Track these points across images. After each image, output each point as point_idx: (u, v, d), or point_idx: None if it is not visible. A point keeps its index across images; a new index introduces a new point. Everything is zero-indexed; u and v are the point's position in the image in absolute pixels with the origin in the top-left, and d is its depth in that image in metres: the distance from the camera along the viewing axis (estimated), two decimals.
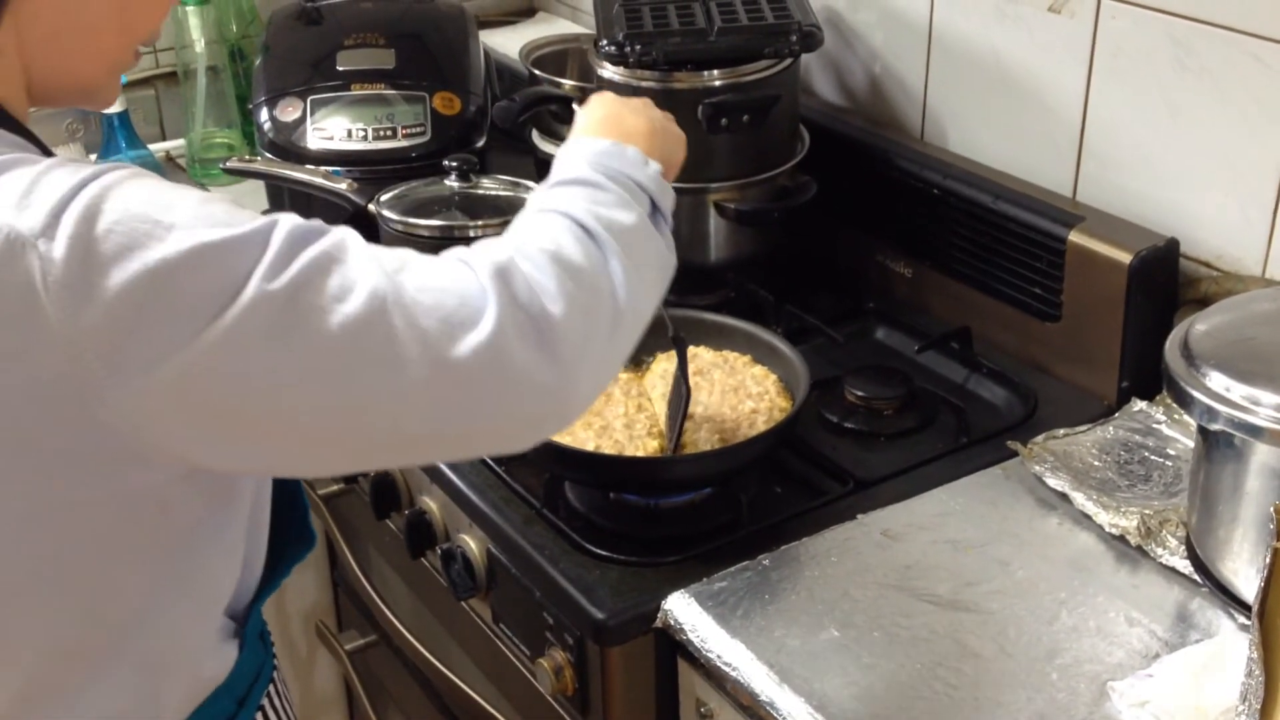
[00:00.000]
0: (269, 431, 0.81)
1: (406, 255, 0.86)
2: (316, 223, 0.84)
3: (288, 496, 1.05)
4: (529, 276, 0.86)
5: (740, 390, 1.30)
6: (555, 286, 0.86)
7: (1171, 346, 1.10)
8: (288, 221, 0.81)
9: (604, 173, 0.97)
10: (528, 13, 2.35)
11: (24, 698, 0.89)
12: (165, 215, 0.78)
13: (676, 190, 1.56)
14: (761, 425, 1.27)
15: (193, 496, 0.87)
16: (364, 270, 0.81)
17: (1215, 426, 1.04)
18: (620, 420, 1.28)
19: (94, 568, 0.86)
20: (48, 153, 0.91)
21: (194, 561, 0.91)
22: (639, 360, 1.39)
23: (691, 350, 1.37)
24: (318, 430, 0.82)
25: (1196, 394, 1.04)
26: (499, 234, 1.49)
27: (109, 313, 0.76)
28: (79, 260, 0.76)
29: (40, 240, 0.76)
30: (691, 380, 1.32)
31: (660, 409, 1.31)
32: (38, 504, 0.82)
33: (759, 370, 1.34)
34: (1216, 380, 1.04)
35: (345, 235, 0.84)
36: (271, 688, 1.04)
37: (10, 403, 0.78)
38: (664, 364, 1.36)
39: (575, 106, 1.16)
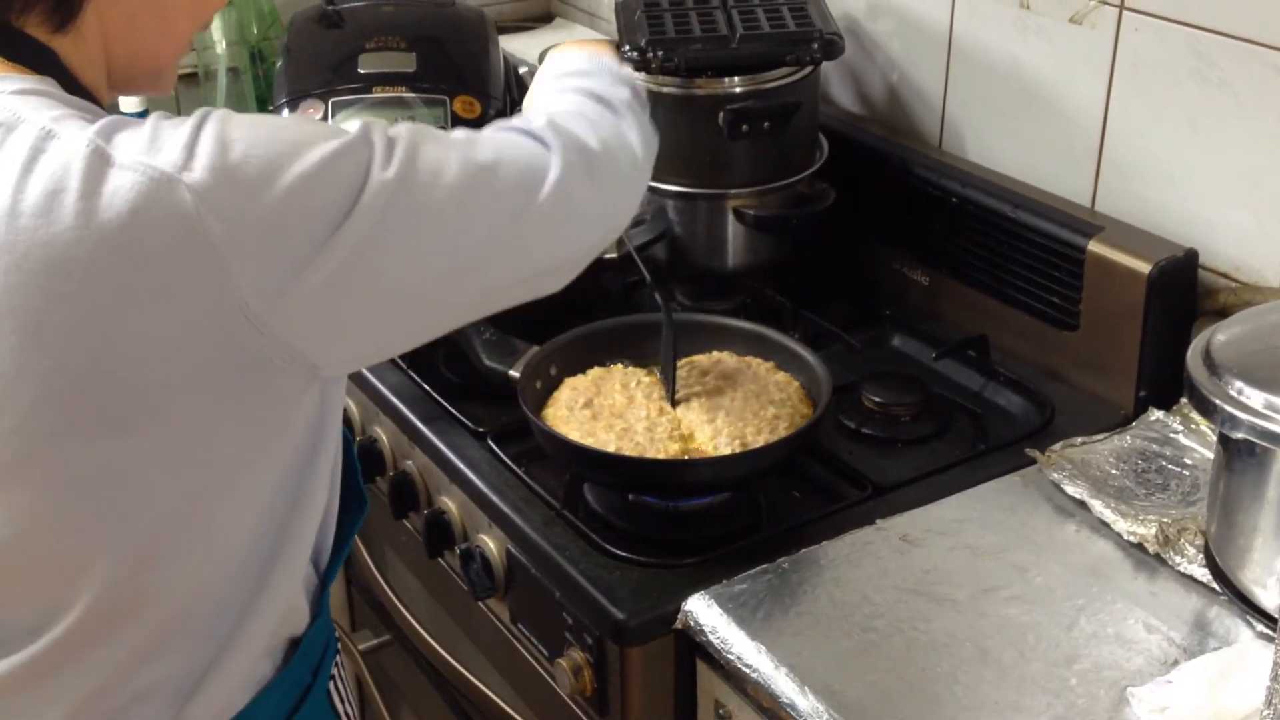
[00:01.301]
0: (401, 303, 0.91)
1: (468, 132, 0.98)
2: (394, 124, 0.93)
3: (343, 460, 1.08)
4: (571, 128, 1.00)
5: (762, 396, 1.31)
6: (589, 131, 1.01)
7: (1193, 355, 1.10)
8: (376, 123, 0.91)
9: (593, 64, 1.14)
10: (545, 18, 2.36)
11: (143, 649, 0.92)
12: (288, 135, 0.86)
13: (695, 196, 1.59)
14: (783, 431, 1.27)
15: (306, 420, 0.94)
16: (449, 146, 0.92)
17: (1237, 435, 1.04)
18: (642, 423, 1.28)
19: (241, 497, 0.91)
20: None
21: (312, 496, 0.97)
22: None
23: (715, 355, 1.38)
24: (440, 290, 0.92)
25: (1219, 402, 1.05)
26: None
27: (265, 226, 0.82)
28: (225, 185, 0.82)
29: (184, 173, 0.81)
30: (715, 385, 1.33)
31: (682, 414, 1.31)
32: (188, 421, 0.86)
33: (782, 377, 1.35)
34: (1239, 389, 1.05)
35: (419, 125, 0.94)
36: (336, 661, 1.06)
37: (175, 327, 0.82)
38: (684, 369, 1.37)
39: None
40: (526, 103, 1.17)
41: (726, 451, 1.25)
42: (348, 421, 1.62)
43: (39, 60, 0.90)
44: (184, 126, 0.84)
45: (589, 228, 1.01)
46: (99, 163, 0.81)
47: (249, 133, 0.84)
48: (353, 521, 1.10)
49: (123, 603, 0.90)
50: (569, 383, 1.36)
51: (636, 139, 1.07)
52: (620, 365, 1.38)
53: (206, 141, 0.82)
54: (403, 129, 0.91)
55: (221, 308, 0.82)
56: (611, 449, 1.25)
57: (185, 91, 2.13)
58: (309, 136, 0.86)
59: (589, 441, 1.26)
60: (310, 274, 0.84)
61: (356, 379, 1.57)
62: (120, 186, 0.80)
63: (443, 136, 0.93)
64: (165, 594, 0.91)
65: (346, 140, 0.87)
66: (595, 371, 1.37)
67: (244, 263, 0.82)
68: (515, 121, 1.02)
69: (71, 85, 0.91)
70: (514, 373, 1.34)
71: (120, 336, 0.82)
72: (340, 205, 0.85)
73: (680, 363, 1.38)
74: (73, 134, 0.82)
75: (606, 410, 1.30)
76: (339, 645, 1.10)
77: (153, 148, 0.82)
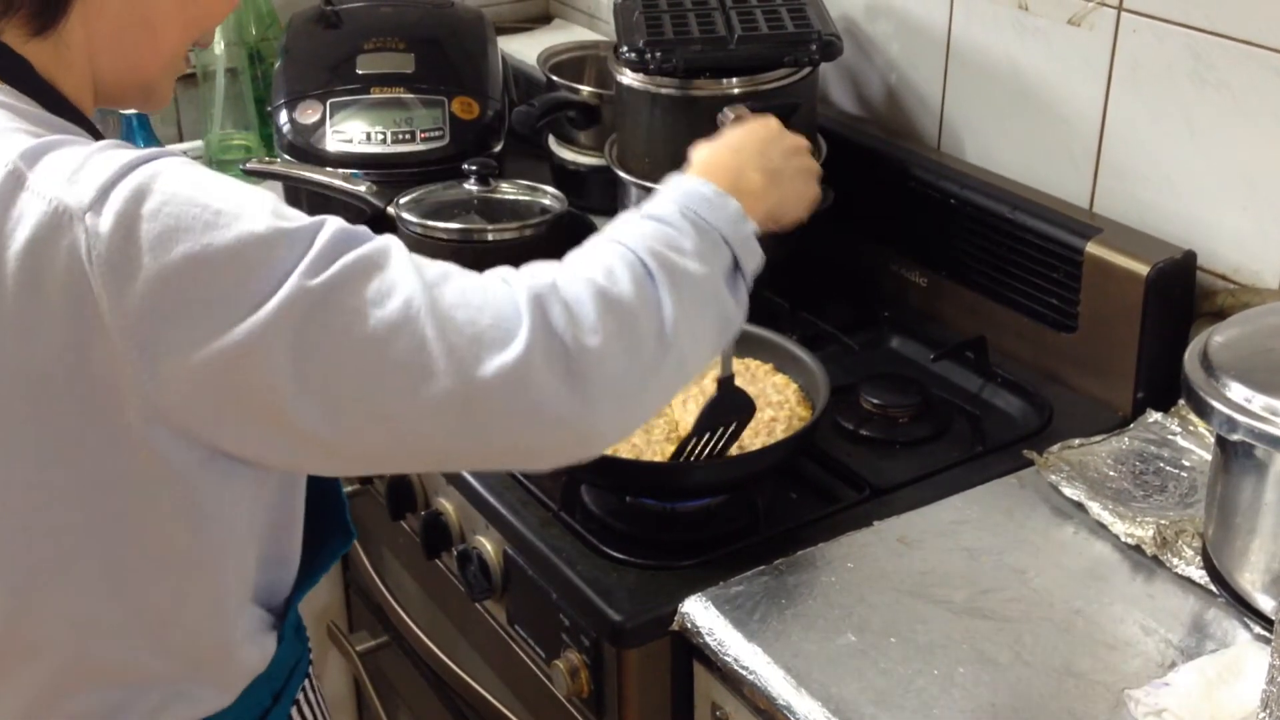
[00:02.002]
0: (292, 426, 0.82)
1: (449, 268, 0.86)
2: (362, 228, 0.85)
3: (326, 492, 1.06)
4: (570, 305, 0.85)
5: (760, 398, 1.31)
6: (595, 319, 0.85)
7: (1191, 357, 1.10)
8: (334, 223, 0.83)
9: (691, 219, 0.95)
10: (544, 19, 2.36)
11: (57, 683, 0.90)
12: (215, 202, 0.79)
13: None
14: (780, 433, 1.27)
15: (215, 481, 0.87)
16: (404, 277, 0.82)
17: (1235, 437, 1.04)
18: None
19: (117, 545, 0.87)
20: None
21: (215, 548, 0.91)
22: None
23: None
24: (338, 430, 0.82)
25: (1216, 404, 1.05)
26: (517, 237, 1.51)
27: (150, 293, 0.78)
28: (124, 238, 0.77)
29: (88, 214, 0.78)
30: (713, 387, 1.32)
31: (679, 415, 1.31)
32: (68, 474, 0.84)
33: (780, 379, 1.35)
34: (1236, 391, 1.05)
35: (389, 242, 0.85)
36: (306, 682, 1.05)
37: (51, 373, 0.80)
38: None
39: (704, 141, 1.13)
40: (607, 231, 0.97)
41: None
42: None
43: (6, 68, 0.88)
44: (115, 163, 0.80)
45: (553, 427, 0.85)
46: (13, 184, 0.79)
47: (177, 189, 0.79)
48: (332, 554, 1.08)
49: (14, 639, 0.89)
50: None
51: (673, 333, 0.88)
52: None
53: (126, 186, 0.78)
54: (372, 245, 0.83)
55: (93, 362, 0.79)
56: (608, 451, 1.25)
57: (184, 92, 2.13)
58: (240, 210, 0.80)
59: None
60: (199, 354, 0.79)
61: None
62: (25, 213, 0.78)
63: (409, 268, 0.83)
64: (56, 635, 0.89)
65: (283, 228, 0.80)
66: None
67: (126, 321, 0.78)
68: (521, 275, 0.88)
69: (44, 94, 0.89)
70: None
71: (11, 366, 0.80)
72: (250, 294, 0.78)
73: None
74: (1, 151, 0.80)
75: None
76: (310, 669, 1.07)
77: (73, 178, 0.79)
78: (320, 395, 0.80)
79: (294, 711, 1.03)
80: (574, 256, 0.92)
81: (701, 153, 1.08)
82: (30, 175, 0.79)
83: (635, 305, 0.87)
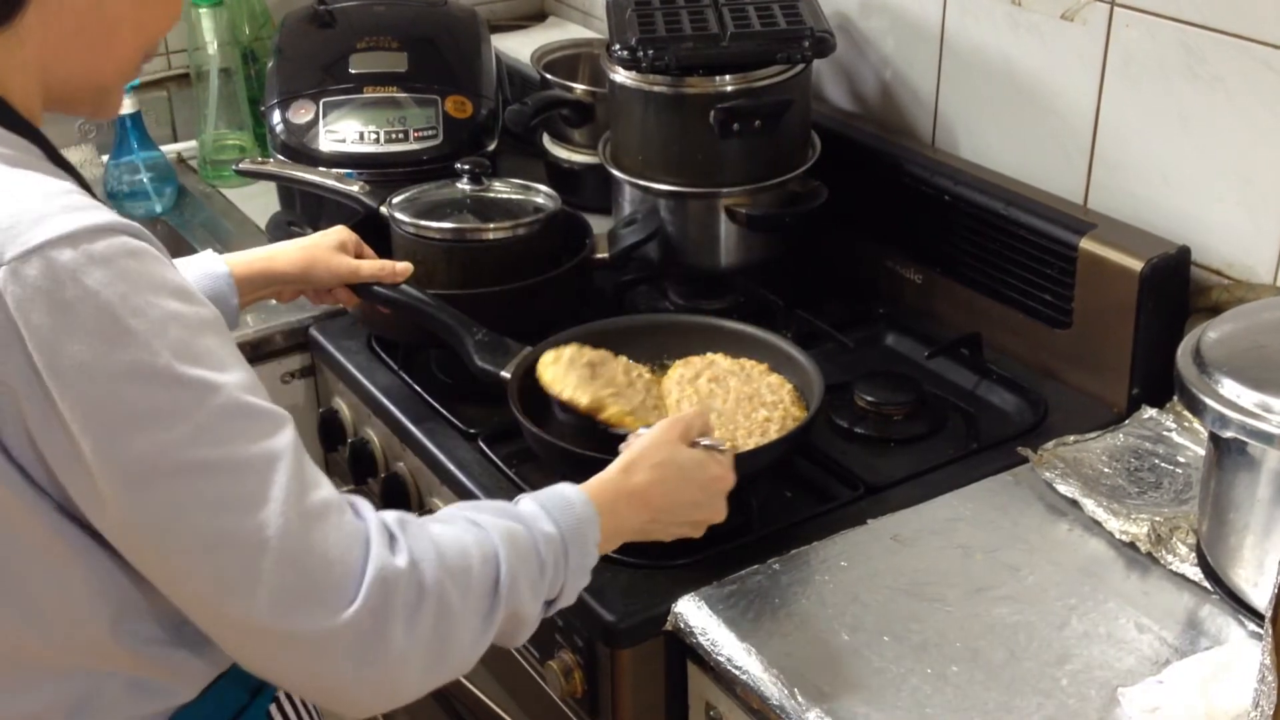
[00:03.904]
0: (127, 547, 0.85)
1: (329, 505, 0.86)
2: (264, 412, 0.85)
3: None
4: (409, 602, 0.86)
5: (755, 398, 1.30)
6: (423, 627, 0.87)
7: (1183, 354, 1.10)
8: (230, 395, 0.83)
9: (560, 548, 0.98)
10: (539, 17, 2.36)
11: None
12: (130, 319, 0.80)
13: (687, 195, 1.58)
14: (774, 434, 1.27)
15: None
16: (276, 498, 0.83)
17: (1227, 434, 1.04)
18: (639, 396, 1.27)
19: (47, 567, 0.87)
20: (53, 153, 0.91)
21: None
22: (660, 364, 1.39)
23: (709, 356, 1.38)
24: (159, 578, 0.86)
25: (1209, 401, 1.04)
26: (510, 236, 1.51)
27: (33, 371, 0.78)
28: (28, 313, 0.78)
29: (3, 270, 0.78)
30: (707, 386, 1.32)
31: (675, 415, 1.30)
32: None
33: (775, 379, 1.34)
34: (1229, 387, 1.04)
35: (283, 449, 0.84)
36: None
37: None
38: (681, 369, 1.36)
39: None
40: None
41: None
42: (340, 424, 1.62)
43: None
44: (60, 227, 0.79)
45: (320, 689, 0.89)
46: None
47: (100, 289, 0.79)
48: None
49: None
50: (574, 345, 1.34)
51: (472, 651, 0.92)
52: (624, 358, 1.37)
53: (57, 259, 0.79)
54: (271, 446, 0.84)
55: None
56: (608, 410, 1.24)
57: (178, 92, 2.13)
58: (152, 337, 0.80)
59: (581, 398, 1.25)
60: (76, 450, 0.80)
61: (346, 379, 1.57)
62: None
63: (301, 488, 0.84)
64: None
65: (177, 373, 0.81)
66: (603, 352, 1.35)
67: (12, 383, 0.79)
68: (384, 544, 0.87)
69: None
70: (505, 373, 1.33)
71: None
72: (117, 422, 0.80)
73: (674, 363, 1.38)
74: None
75: (605, 377, 1.30)
76: None
77: (10, 226, 0.79)
78: (155, 551, 0.84)
79: (273, 709, 1.03)
80: (453, 530, 0.93)
81: (633, 450, 1.09)
82: None
83: (462, 624, 0.90)
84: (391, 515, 0.91)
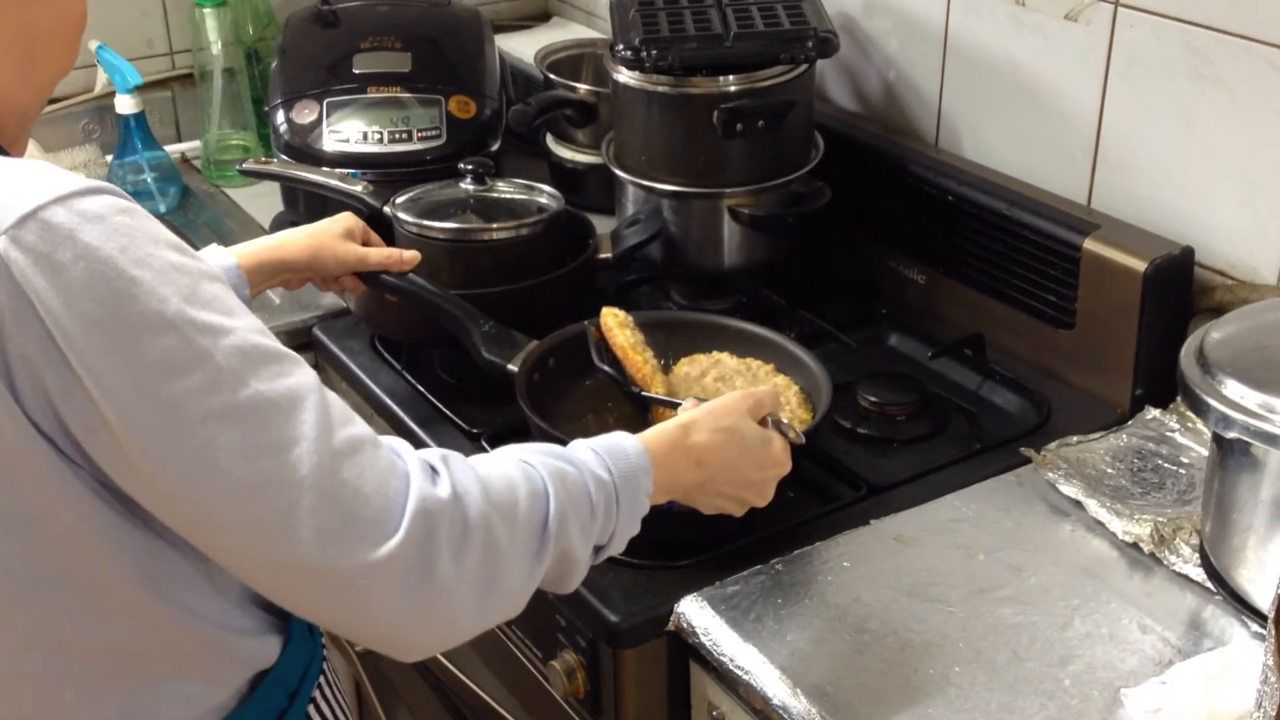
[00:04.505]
0: (166, 506, 0.84)
1: (362, 440, 0.85)
2: (281, 353, 0.84)
3: None
4: (454, 532, 0.85)
5: None
6: (471, 556, 0.86)
7: (1187, 354, 1.10)
8: (246, 335, 0.82)
9: (612, 493, 0.96)
10: (542, 17, 2.36)
11: (45, 699, 0.90)
12: (134, 269, 0.79)
13: (691, 195, 1.58)
14: None
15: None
16: (306, 436, 0.81)
17: (1231, 434, 1.04)
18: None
19: (86, 567, 0.86)
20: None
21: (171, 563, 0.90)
22: (663, 364, 1.39)
23: (715, 356, 1.37)
24: (198, 531, 0.84)
25: (1212, 401, 1.04)
26: (513, 236, 1.51)
27: (46, 337, 0.77)
28: (31, 279, 0.77)
29: (2, 239, 0.77)
30: (715, 386, 1.32)
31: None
32: (28, 504, 0.83)
33: (781, 380, 1.34)
34: (1232, 388, 1.04)
35: (308, 387, 0.83)
36: (323, 679, 1.04)
37: None
38: (686, 367, 1.36)
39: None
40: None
41: None
42: None
43: None
44: (48, 190, 0.78)
45: (382, 632, 0.86)
46: None
47: (100, 243, 0.78)
48: None
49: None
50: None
51: (523, 589, 0.91)
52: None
53: (51, 220, 0.78)
54: (289, 382, 0.82)
55: None
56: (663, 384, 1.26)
57: (182, 92, 2.14)
58: (159, 281, 0.79)
59: (650, 370, 1.27)
60: (98, 408, 0.79)
61: (350, 379, 1.57)
62: None
63: (329, 426, 0.82)
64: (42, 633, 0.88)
65: (190, 317, 0.80)
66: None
67: (20, 351, 0.78)
68: (425, 477, 0.86)
69: None
70: (512, 367, 1.33)
71: None
72: (136, 371, 0.79)
73: (680, 361, 1.38)
74: None
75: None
76: (324, 667, 1.06)
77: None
78: (187, 499, 0.81)
79: (311, 710, 1.03)
80: (502, 466, 0.92)
81: (693, 414, 1.08)
82: None
83: (511, 559, 0.88)
84: (434, 452, 0.90)
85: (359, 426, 0.86)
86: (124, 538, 0.86)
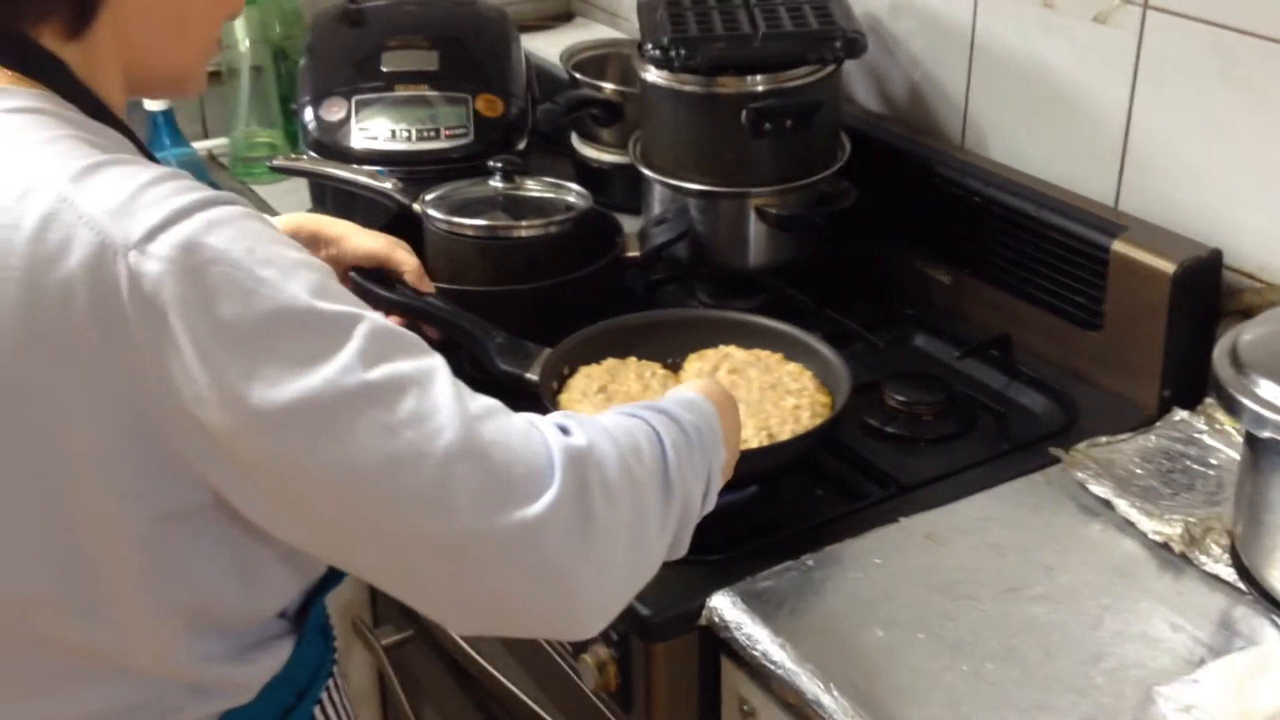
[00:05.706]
0: (299, 512, 0.82)
1: (493, 404, 0.85)
2: (407, 335, 0.84)
3: None
4: (603, 475, 0.85)
5: (779, 387, 1.31)
6: (622, 495, 0.85)
7: (1220, 355, 1.10)
8: (374, 321, 0.82)
9: (699, 434, 0.96)
10: (565, 17, 2.37)
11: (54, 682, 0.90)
12: (262, 269, 0.79)
13: (717, 195, 1.59)
14: (806, 419, 1.27)
15: (221, 524, 0.86)
16: (446, 403, 0.81)
17: (1264, 434, 1.04)
18: None
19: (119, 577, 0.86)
20: (144, 148, 0.92)
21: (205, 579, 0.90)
22: (674, 363, 1.39)
23: (723, 349, 1.38)
24: (340, 532, 0.82)
25: (1246, 401, 1.05)
26: (543, 234, 1.52)
27: (181, 345, 0.77)
28: (165, 288, 0.77)
29: (132, 253, 0.77)
30: (728, 378, 1.33)
31: None
32: (61, 497, 0.83)
33: (794, 366, 1.35)
34: (1266, 388, 1.05)
35: (436, 363, 0.84)
36: (331, 682, 1.04)
37: (68, 397, 0.79)
38: (697, 363, 1.37)
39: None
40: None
41: (755, 444, 1.25)
42: None
43: (46, 71, 0.87)
44: (170, 204, 0.79)
45: (544, 592, 0.83)
46: (61, 206, 0.78)
47: (230, 248, 0.78)
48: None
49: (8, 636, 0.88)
50: (583, 370, 1.35)
51: (660, 533, 0.90)
52: (634, 359, 1.38)
53: (177, 233, 0.78)
54: (418, 362, 0.82)
55: (111, 394, 0.79)
56: None
57: (209, 90, 2.12)
58: (287, 282, 0.79)
59: None
60: (216, 415, 0.78)
61: None
62: (72, 239, 0.77)
63: (453, 396, 0.81)
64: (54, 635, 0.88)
65: (324, 310, 0.80)
66: (610, 361, 1.37)
67: (150, 366, 0.78)
68: (556, 429, 0.86)
69: (83, 98, 0.88)
70: (530, 375, 1.34)
71: (26, 383, 0.80)
72: (277, 370, 0.78)
73: (688, 357, 1.39)
74: (50, 167, 0.80)
75: (621, 395, 1.30)
76: (335, 669, 1.06)
77: (123, 210, 0.78)
78: (323, 495, 0.80)
79: (317, 710, 1.03)
80: (611, 418, 0.92)
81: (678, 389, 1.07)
82: (79, 199, 0.78)
83: (651, 500, 0.89)
84: (555, 413, 0.91)
85: (487, 397, 0.86)
86: (164, 570, 0.86)
